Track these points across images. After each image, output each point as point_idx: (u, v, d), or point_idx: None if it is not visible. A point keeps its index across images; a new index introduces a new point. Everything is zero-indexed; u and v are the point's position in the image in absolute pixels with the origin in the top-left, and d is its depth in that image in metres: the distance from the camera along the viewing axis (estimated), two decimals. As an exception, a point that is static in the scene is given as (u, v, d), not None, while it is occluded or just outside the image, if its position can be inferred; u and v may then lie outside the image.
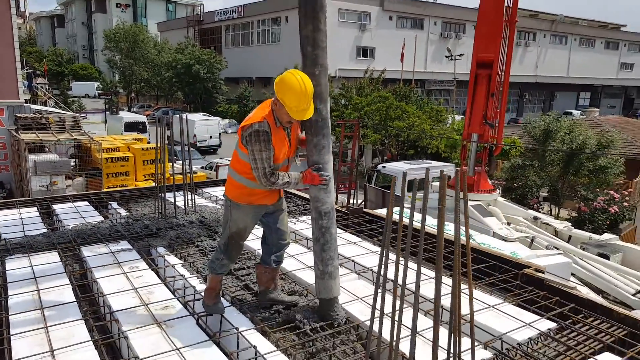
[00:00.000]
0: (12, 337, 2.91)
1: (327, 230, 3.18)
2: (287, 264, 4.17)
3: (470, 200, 10.98)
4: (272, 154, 3.00)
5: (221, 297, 3.40)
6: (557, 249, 9.89)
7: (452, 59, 34.33)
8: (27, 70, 31.42)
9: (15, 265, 4.02)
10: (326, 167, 3.18)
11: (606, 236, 10.96)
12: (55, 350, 2.77)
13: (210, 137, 25.33)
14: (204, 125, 26.20)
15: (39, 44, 76.88)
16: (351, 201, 14.64)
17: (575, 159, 14.10)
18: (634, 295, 8.92)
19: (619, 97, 59.23)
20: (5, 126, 15.11)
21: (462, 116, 28.11)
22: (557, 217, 14.16)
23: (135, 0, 68.80)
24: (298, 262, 4.32)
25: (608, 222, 13.48)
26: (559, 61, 50.16)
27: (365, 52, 38.72)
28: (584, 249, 10.45)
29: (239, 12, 43.83)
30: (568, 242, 10.87)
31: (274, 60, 38.04)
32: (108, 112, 29.77)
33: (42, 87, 35.63)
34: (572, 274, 9.02)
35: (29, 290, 3.54)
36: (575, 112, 45.63)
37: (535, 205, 14.32)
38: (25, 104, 16.17)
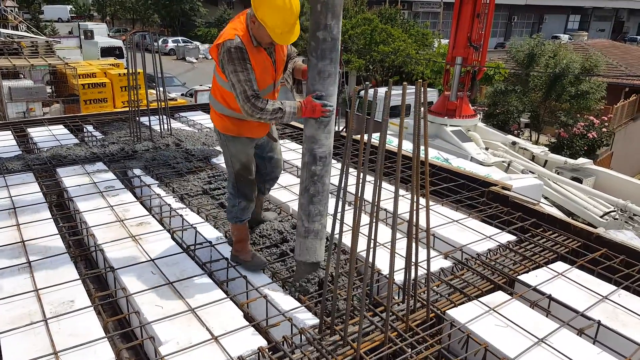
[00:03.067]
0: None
1: (320, 179, 2.66)
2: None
3: (450, 125, 11.05)
4: (253, 76, 2.50)
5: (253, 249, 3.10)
6: (533, 173, 10.14)
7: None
8: (-10, -10, 29.43)
9: (-10, 186, 4.04)
10: (330, 100, 2.60)
11: (581, 160, 11.20)
12: (32, 262, 2.88)
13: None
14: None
15: (2, -38, 71.49)
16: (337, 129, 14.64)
17: (558, 84, 14.03)
18: (601, 217, 9.30)
19: (609, 21, 57.77)
20: (-27, 51, 14.41)
21: (448, 40, 27.41)
22: (536, 142, 14.34)
23: None
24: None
25: (586, 148, 13.68)
26: (550, -19, 48.29)
27: (350, -29, 36.78)
28: (558, 173, 10.72)
29: None
30: (544, 166, 11.11)
31: (255, -21, 36.08)
32: (82, 37, 28.37)
33: (11, 11, 33.59)
34: (545, 197, 9.34)
35: (4, 209, 3.60)
36: (563, 36, 44.54)
37: (516, 131, 14.43)
38: (-7, 28, 15.35)
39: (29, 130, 5.94)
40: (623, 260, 3.12)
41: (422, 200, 2.84)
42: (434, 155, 7.18)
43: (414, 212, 2.35)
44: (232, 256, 3.00)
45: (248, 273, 2.87)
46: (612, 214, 9.33)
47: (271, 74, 2.69)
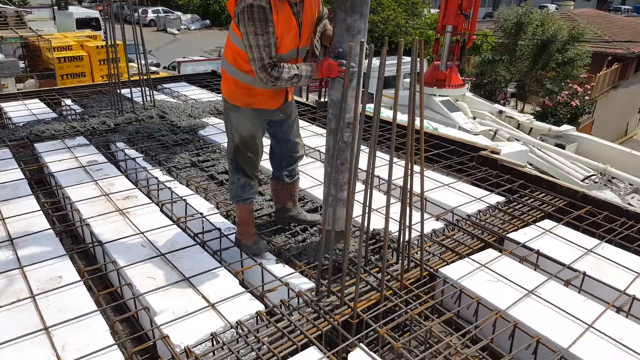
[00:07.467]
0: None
1: (348, 145, 2.49)
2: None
3: (439, 95, 11.05)
4: (273, 40, 2.25)
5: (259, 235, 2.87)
6: (518, 140, 10.30)
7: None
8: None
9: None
10: (354, 59, 2.24)
11: (564, 128, 11.45)
12: (14, 239, 2.76)
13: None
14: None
15: None
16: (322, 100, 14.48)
17: (545, 52, 14.16)
18: (582, 180, 9.59)
19: (595, -10, 57.59)
20: (-62, 22, 13.79)
21: (438, 10, 26.95)
22: (522, 111, 14.52)
23: None
24: (311, 178, 3.78)
25: (569, 116, 14.00)
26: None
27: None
28: (542, 140, 10.92)
29: None
30: (529, 134, 11.30)
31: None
32: (56, 7, 27.25)
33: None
34: (529, 163, 9.54)
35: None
36: (550, 5, 44.43)
37: (502, 100, 14.59)
38: (-42, -3, 14.67)
39: (2, 105, 5.69)
40: (606, 216, 3.25)
41: (414, 166, 2.82)
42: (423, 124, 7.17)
43: (408, 178, 2.35)
44: (236, 238, 2.83)
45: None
46: (593, 177, 9.65)
47: (295, 37, 2.38)
